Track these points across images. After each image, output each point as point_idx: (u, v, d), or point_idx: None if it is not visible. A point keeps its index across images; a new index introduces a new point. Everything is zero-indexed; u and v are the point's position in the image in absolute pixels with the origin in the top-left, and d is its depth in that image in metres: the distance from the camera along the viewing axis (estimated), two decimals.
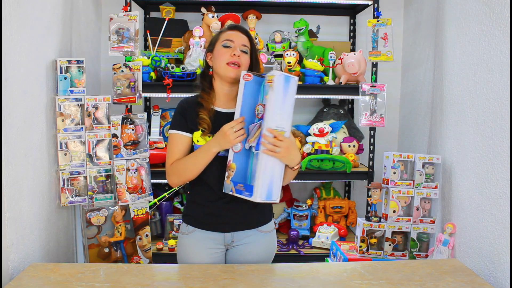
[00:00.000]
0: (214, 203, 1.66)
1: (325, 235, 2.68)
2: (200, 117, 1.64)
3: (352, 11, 3.01)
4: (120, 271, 1.63)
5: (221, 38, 1.68)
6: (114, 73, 2.25)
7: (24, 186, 1.74)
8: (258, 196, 1.50)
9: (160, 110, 2.86)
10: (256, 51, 1.72)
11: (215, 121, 1.64)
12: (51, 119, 2.02)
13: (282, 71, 2.74)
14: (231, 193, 1.57)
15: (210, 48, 1.72)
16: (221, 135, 1.55)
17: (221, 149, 1.58)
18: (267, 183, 1.51)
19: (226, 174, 1.58)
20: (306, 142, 2.72)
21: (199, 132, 1.65)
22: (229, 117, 1.62)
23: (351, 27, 3.04)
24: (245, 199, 1.55)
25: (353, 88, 2.63)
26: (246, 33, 1.70)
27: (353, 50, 2.99)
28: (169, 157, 1.68)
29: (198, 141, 1.65)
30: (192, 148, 1.67)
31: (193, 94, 1.77)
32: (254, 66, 1.70)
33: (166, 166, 1.70)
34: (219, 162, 1.62)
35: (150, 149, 2.43)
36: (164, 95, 2.54)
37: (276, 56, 2.81)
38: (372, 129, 2.68)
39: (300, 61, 2.74)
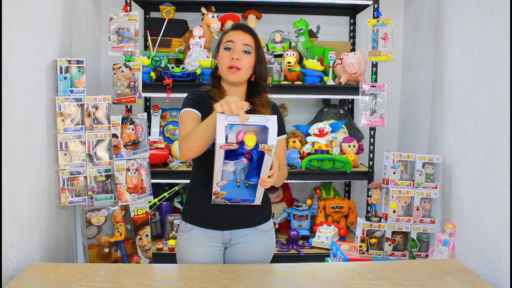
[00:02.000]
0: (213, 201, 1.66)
1: (325, 235, 2.68)
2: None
3: (352, 11, 3.01)
4: (120, 271, 1.63)
5: (223, 40, 1.68)
6: (114, 73, 2.25)
7: (24, 186, 1.74)
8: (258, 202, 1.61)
9: (160, 110, 2.86)
10: (260, 49, 1.69)
11: None
12: (51, 119, 2.02)
13: (282, 71, 2.75)
14: (223, 204, 1.60)
15: (216, 49, 1.72)
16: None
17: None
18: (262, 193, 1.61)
19: (213, 196, 1.56)
20: (306, 142, 2.72)
21: None
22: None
23: (351, 27, 3.04)
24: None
25: (353, 88, 2.63)
26: (249, 31, 1.69)
27: (353, 50, 2.99)
28: (181, 132, 1.62)
29: None
30: None
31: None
32: (258, 65, 1.69)
33: (179, 142, 1.67)
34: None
35: (150, 149, 2.43)
36: (164, 95, 2.54)
37: (276, 56, 2.81)
38: (372, 129, 2.68)
39: (300, 61, 2.74)
